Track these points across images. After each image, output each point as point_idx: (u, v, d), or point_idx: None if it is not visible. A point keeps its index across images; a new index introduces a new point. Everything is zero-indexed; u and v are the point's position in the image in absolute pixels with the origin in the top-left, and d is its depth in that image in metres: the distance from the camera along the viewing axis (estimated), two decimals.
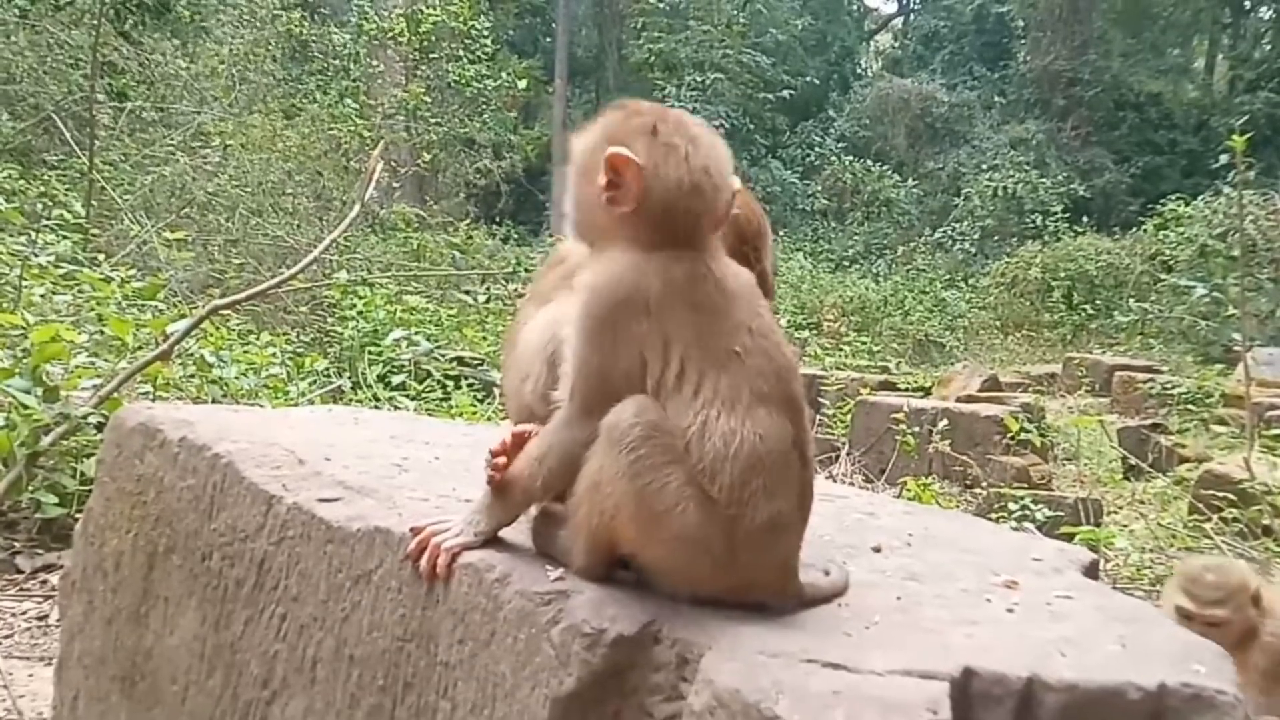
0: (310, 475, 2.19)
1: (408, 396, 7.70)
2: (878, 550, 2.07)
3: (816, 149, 28.58)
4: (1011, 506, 6.11)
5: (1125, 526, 6.61)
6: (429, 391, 7.95)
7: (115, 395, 4.84)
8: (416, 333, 8.91)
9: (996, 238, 24.39)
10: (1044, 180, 24.84)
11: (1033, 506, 6.08)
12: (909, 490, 6.39)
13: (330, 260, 10.37)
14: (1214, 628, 2.63)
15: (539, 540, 1.85)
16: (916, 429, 7.76)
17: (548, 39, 33.95)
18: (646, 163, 1.73)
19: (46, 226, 8.30)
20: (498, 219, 24.27)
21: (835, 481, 5.52)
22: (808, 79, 30.29)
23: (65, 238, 8.16)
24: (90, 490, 2.73)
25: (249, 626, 2.12)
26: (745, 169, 24.02)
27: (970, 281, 22.66)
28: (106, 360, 5.61)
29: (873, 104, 29.39)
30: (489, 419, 6.79)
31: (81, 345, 5.52)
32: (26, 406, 4.53)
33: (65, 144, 11.32)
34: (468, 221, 17.63)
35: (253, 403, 5.71)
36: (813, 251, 24.87)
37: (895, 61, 36.44)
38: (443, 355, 8.63)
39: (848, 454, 8.61)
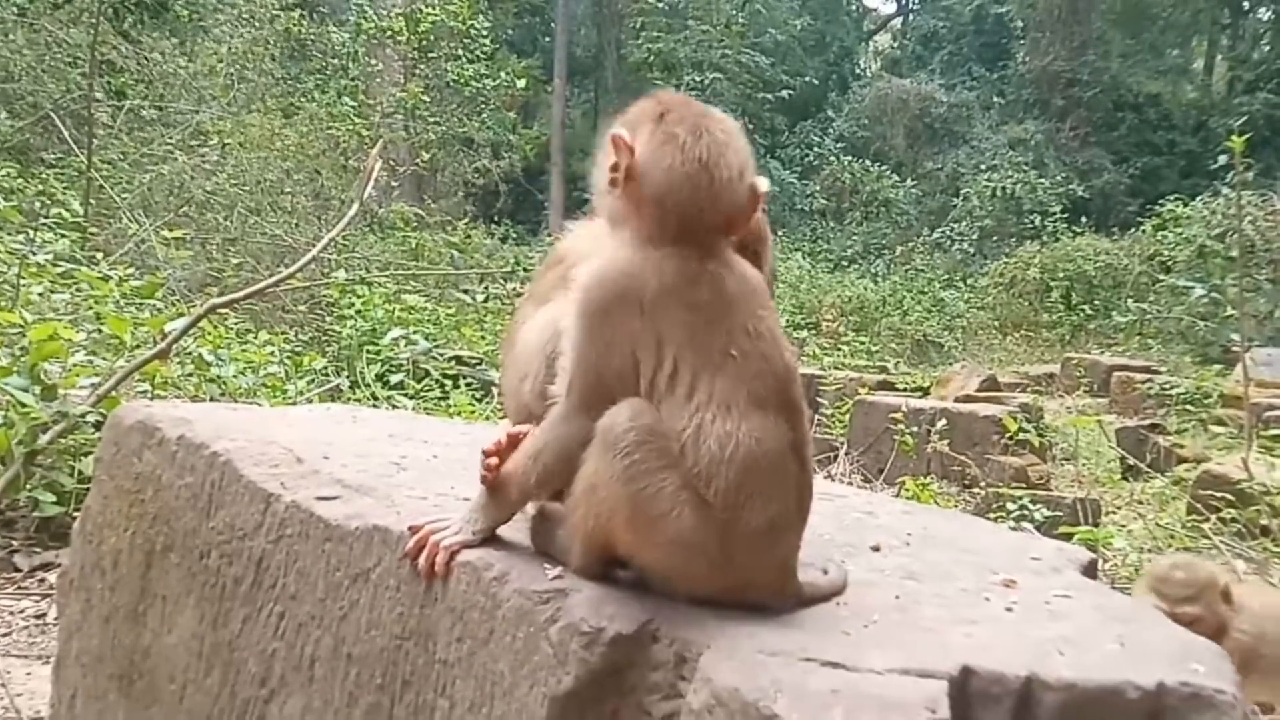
0: (308, 473, 2.19)
1: (406, 395, 7.70)
2: (876, 549, 2.07)
3: (815, 149, 28.59)
4: (1010, 506, 6.10)
5: (1123, 526, 6.60)
6: (427, 390, 7.95)
7: (113, 394, 4.83)
8: (415, 332, 8.90)
9: (995, 238, 24.39)
10: (1043, 180, 24.84)
11: (1031, 506, 6.07)
12: (907, 490, 6.39)
13: (329, 259, 10.36)
14: (1184, 625, 2.63)
15: (537, 539, 1.85)
16: (915, 429, 7.75)
17: (547, 38, 33.95)
18: (644, 147, 1.72)
19: (44, 225, 8.29)
20: (496, 218, 24.27)
21: (834, 481, 5.51)
22: (806, 79, 30.30)
23: (63, 236, 8.15)
24: (88, 488, 2.73)
25: (247, 625, 2.12)
26: None
27: (969, 281, 22.65)
28: (104, 359, 5.60)
29: (871, 104, 29.38)
30: (487, 418, 6.78)
31: (79, 344, 5.51)
32: (24, 405, 4.52)
33: (63, 142, 11.31)
34: (466, 221, 17.61)
35: (251, 401, 5.71)
36: (811, 251, 24.88)
37: (894, 62, 36.45)
38: (441, 354, 8.62)
39: (846, 454, 8.61)
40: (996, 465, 7.84)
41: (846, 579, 1.82)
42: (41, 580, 4.45)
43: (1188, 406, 10.37)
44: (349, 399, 7.14)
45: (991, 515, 5.58)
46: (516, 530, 1.88)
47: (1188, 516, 6.46)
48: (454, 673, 1.77)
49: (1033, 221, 23.85)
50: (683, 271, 1.68)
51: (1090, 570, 2.12)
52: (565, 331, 1.76)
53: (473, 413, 7.20)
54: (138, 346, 5.70)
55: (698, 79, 25.83)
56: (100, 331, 5.83)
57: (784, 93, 27.78)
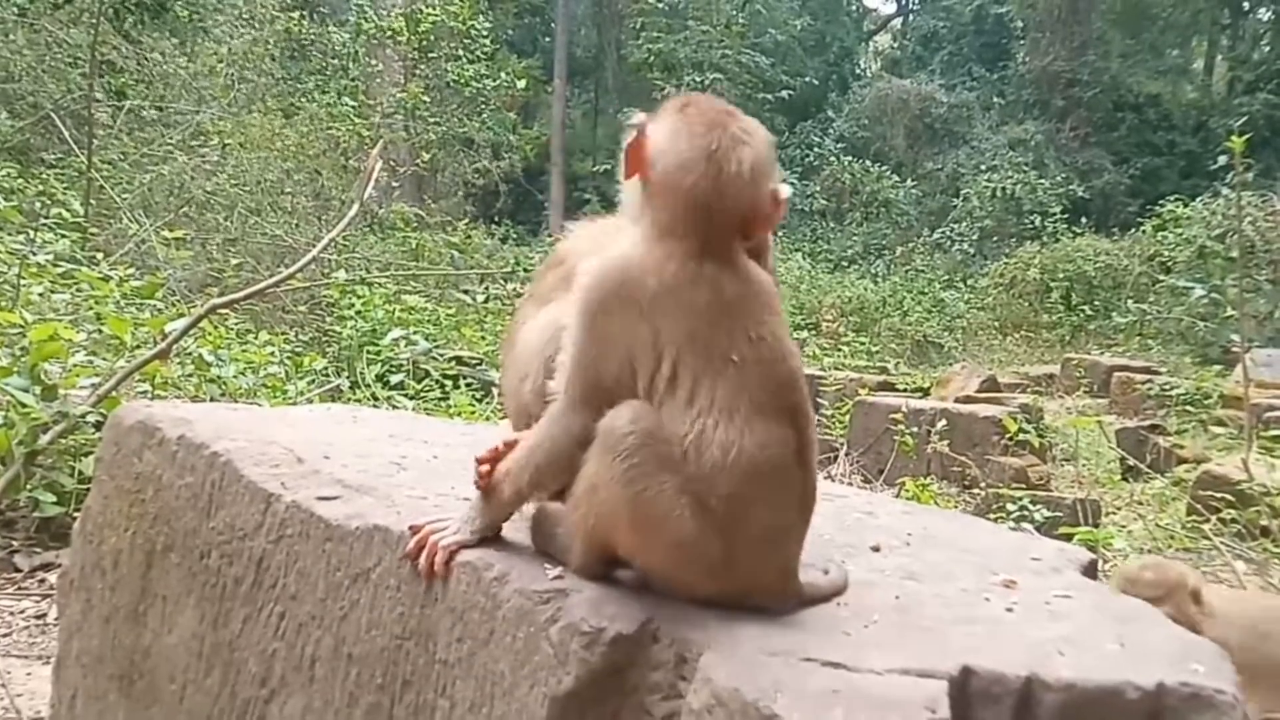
0: (309, 473, 2.19)
1: (406, 396, 7.70)
2: (877, 550, 2.07)
3: (815, 149, 28.58)
4: (1010, 507, 6.10)
5: (1123, 527, 6.61)
6: (427, 391, 7.95)
7: (113, 394, 4.83)
8: (415, 332, 8.90)
9: (995, 238, 24.38)
10: (1043, 181, 24.83)
11: (1031, 507, 6.07)
12: (907, 490, 6.39)
13: (329, 259, 10.36)
14: None
15: (538, 539, 1.85)
16: (915, 429, 7.75)
17: (547, 39, 33.97)
18: (660, 135, 1.72)
19: (45, 225, 8.29)
20: (496, 219, 24.27)
21: (834, 481, 5.52)
22: (807, 79, 30.29)
23: (63, 236, 8.15)
24: (88, 489, 2.73)
25: (247, 625, 2.12)
26: None
27: (969, 282, 22.65)
28: (105, 359, 5.60)
29: (871, 104, 29.38)
30: (487, 418, 6.78)
31: (80, 344, 5.51)
32: (24, 405, 4.52)
33: (64, 142, 11.31)
34: (466, 221, 17.62)
35: (251, 402, 5.71)
36: (811, 252, 24.87)
37: (894, 62, 36.46)
38: (441, 355, 8.63)
39: (846, 454, 8.61)
40: (996, 466, 7.84)
41: (847, 579, 1.82)
42: (42, 580, 4.45)
43: (1188, 407, 10.36)
44: (349, 399, 7.14)
45: (991, 516, 5.58)
46: (517, 530, 1.88)
47: (1188, 517, 6.47)
48: (454, 673, 1.77)
49: (1033, 222, 23.84)
50: (683, 271, 1.66)
51: (1090, 571, 2.12)
52: (565, 329, 1.76)
53: (473, 413, 7.21)
54: (138, 347, 5.70)
55: (698, 79, 25.82)
56: (100, 332, 5.83)
57: (784, 93, 27.78)
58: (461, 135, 20.92)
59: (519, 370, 2.04)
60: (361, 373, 8.00)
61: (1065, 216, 23.73)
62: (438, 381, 8.13)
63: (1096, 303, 20.01)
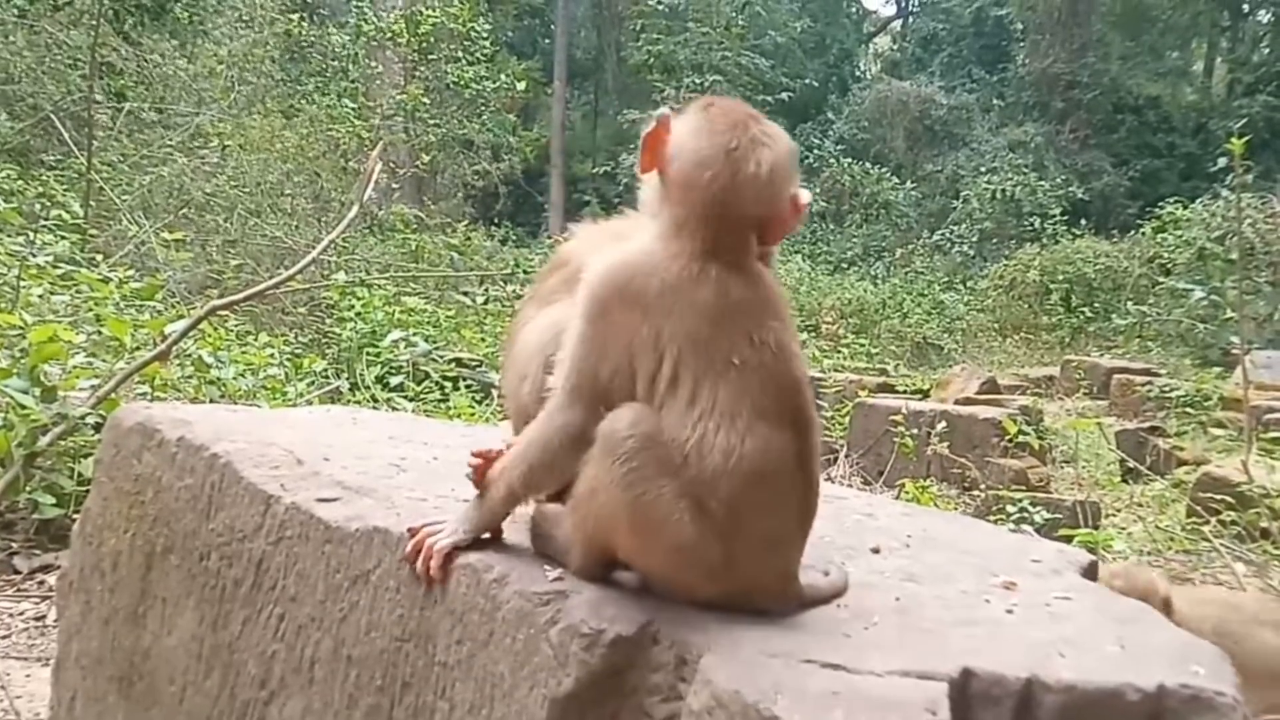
0: (308, 475, 2.19)
1: (406, 397, 7.70)
2: (877, 551, 2.07)
3: (815, 151, 28.58)
4: (1010, 509, 6.10)
5: (1123, 529, 6.61)
6: (427, 392, 7.95)
7: (113, 395, 4.83)
8: (415, 334, 8.90)
9: (995, 240, 24.40)
10: (1042, 183, 24.85)
11: (1031, 509, 6.07)
12: (907, 492, 6.39)
13: (328, 261, 10.36)
14: None
15: (537, 541, 1.85)
16: (915, 431, 7.75)
17: (547, 41, 34.00)
18: (680, 131, 1.72)
19: (45, 227, 8.29)
20: (496, 220, 24.29)
21: (834, 483, 5.52)
22: (806, 81, 30.32)
23: (63, 238, 8.15)
24: (88, 490, 2.72)
25: (247, 626, 2.12)
26: None
27: (969, 284, 22.66)
28: (104, 360, 5.60)
29: (871, 106, 29.40)
30: (487, 420, 6.78)
31: (79, 345, 5.52)
32: (24, 406, 4.52)
33: (63, 144, 11.31)
34: (466, 223, 17.61)
35: (251, 403, 5.71)
36: (811, 254, 24.87)
37: (894, 64, 36.51)
38: (441, 356, 8.62)
39: (846, 456, 8.61)
40: (996, 467, 7.84)
41: (847, 581, 1.82)
42: (41, 582, 4.44)
43: (1187, 409, 10.36)
44: (349, 401, 7.14)
45: (991, 518, 5.58)
46: (517, 532, 1.88)
47: (1187, 519, 6.47)
48: (454, 675, 1.77)
49: (1032, 224, 23.86)
50: (688, 270, 1.65)
51: (1090, 572, 2.12)
52: (566, 329, 1.76)
53: (473, 415, 7.20)
54: (138, 348, 5.70)
55: (697, 81, 25.83)
56: (100, 333, 5.83)
57: (784, 95, 27.79)
58: (461, 137, 20.93)
59: (519, 371, 2.04)
60: (361, 374, 8.00)
61: (1065, 218, 23.75)
62: (437, 383, 8.12)
63: (1096, 304, 20.02)
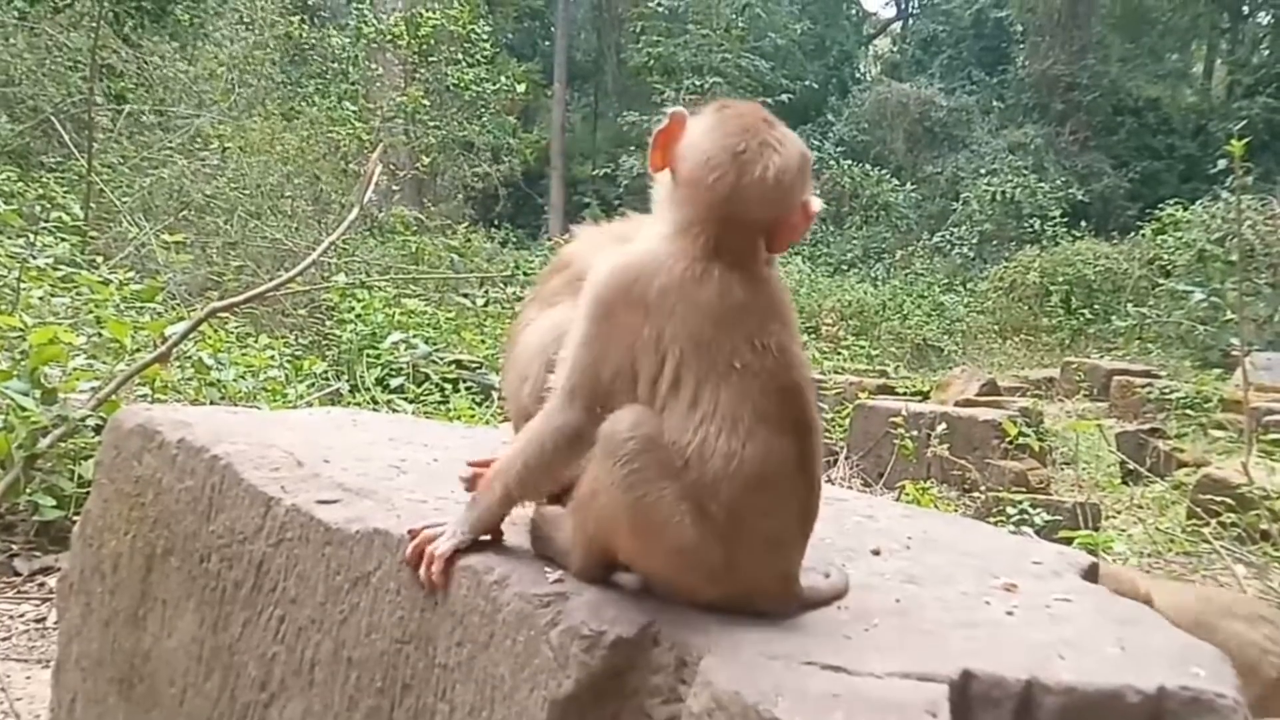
0: (309, 477, 2.19)
1: (406, 399, 7.70)
2: (877, 553, 2.07)
3: (815, 153, 28.19)
4: (1010, 510, 6.10)
5: (1123, 531, 6.61)
6: (427, 394, 7.95)
7: (113, 397, 4.83)
8: (415, 336, 8.91)
9: (995, 242, 24.41)
10: (1042, 185, 24.87)
11: (1031, 510, 6.07)
12: (907, 494, 6.39)
13: (329, 263, 10.37)
14: None
15: (537, 543, 1.85)
16: (915, 433, 7.75)
17: (547, 43, 34.02)
18: (692, 130, 1.72)
19: (45, 229, 8.30)
20: (496, 222, 24.30)
21: (834, 485, 5.52)
22: (806, 83, 30.31)
23: (64, 240, 8.16)
24: (88, 492, 2.73)
25: (247, 628, 2.12)
26: None
27: (968, 286, 22.67)
28: (105, 362, 5.60)
29: (871, 108, 29.42)
30: (487, 422, 6.78)
31: (80, 347, 5.52)
32: (24, 408, 4.52)
33: (64, 146, 11.33)
34: (466, 224, 17.62)
35: (251, 405, 5.71)
36: (811, 255, 24.87)
37: (894, 66, 36.54)
38: (441, 358, 8.63)
39: (846, 458, 8.61)
40: (996, 469, 7.83)
41: (847, 583, 1.82)
42: (41, 584, 4.44)
43: (1187, 411, 10.37)
44: (349, 403, 7.14)
45: (991, 519, 5.58)
46: (517, 534, 1.88)
47: (1187, 521, 6.47)
48: (454, 676, 1.77)
49: (1032, 225, 23.88)
50: (692, 270, 1.64)
51: (1091, 574, 2.12)
52: (568, 330, 1.75)
53: (473, 417, 7.21)
54: (138, 350, 5.70)
55: (697, 83, 25.85)
56: (100, 335, 5.84)
57: (784, 97, 27.75)
58: (461, 139, 20.95)
59: (520, 373, 2.04)
60: (361, 376, 8.00)
61: (1065, 220, 23.76)
62: (437, 385, 8.13)
63: (1096, 306, 20.03)
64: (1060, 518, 6.07)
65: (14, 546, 4.67)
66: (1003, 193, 24.54)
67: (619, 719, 1.61)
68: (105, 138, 12.01)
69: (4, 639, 4.00)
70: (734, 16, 28.01)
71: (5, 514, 4.73)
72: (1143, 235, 20.60)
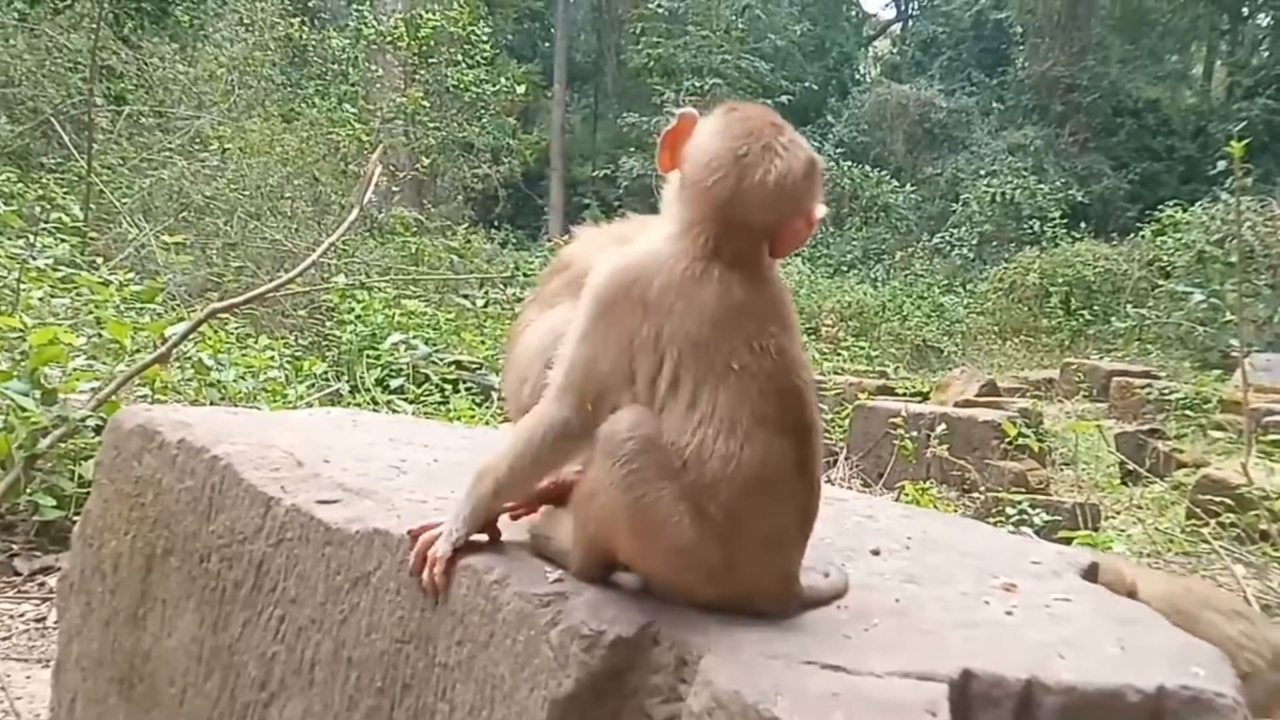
0: (309, 477, 2.19)
1: (406, 400, 7.70)
2: (876, 553, 2.07)
3: None
4: (1009, 511, 6.11)
5: (1123, 531, 6.60)
6: (427, 395, 7.95)
7: (113, 398, 4.84)
8: (415, 336, 8.91)
9: (994, 243, 24.41)
10: (1042, 186, 24.88)
11: (1030, 511, 6.08)
12: (907, 494, 6.39)
13: (328, 264, 10.37)
14: None
15: (537, 542, 1.85)
16: (914, 434, 7.75)
17: (546, 44, 34.03)
18: (701, 132, 1.72)
19: (45, 229, 8.30)
20: (496, 223, 24.32)
21: (833, 485, 5.52)
22: (806, 84, 30.32)
23: (63, 241, 8.16)
24: (88, 493, 2.73)
25: (247, 628, 2.12)
26: None
27: (968, 287, 22.67)
28: (105, 363, 5.61)
29: (871, 109, 29.42)
30: (487, 423, 6.79)
31: (79, 348, 5.52)
32: (24, 409, 4.52)
33: (64, 147, 11.33)
34: (466, 226, 17.63)
35: (251, 406, 5.71)
36: (811, 257, 24.85)
37: (893, 67, 36.55)
38: (441, 359, 8.63)
39: (846, 458, 8.61)
40: (996, 470, 7.84)
41: (847, 583, 1.82)
42: (41, 584, 4.44)
43: (1187, 412, 10.37)
44: (349, 403, 7.14)
45: (991, 520, 5.58)
46: (517, 534, 1.88)
47: (1187, 521, 6.47)
48: (454, 676, 1.77)
49: (1032, 227, 23.88)
50: (692, 270, 1.64)
51: (1090, 574, 2.12)
52: (568, 330, 1.76)
53: (473, 417, 7.21)
54: (138, 351, 5.70)
55: (697, 84, 25.86)
56: (100, 336, 5.84)
57: (783, 98, 27.76)
58: (461, 140, 20.95)
59: (519, 374, 2.04)
60: (361, 377, 8.01)
61: (1064, 221, 23.76)
62: (437, 386, 8.13)
63: (1096, 307, 20.03)
64: (1060, 518, 6.08)
65: (14, 546, 4.67)
66: (1002, 194, 24.55)
67: (619, 718, 1.61)
68: (105, 139, 12.01)
69: (4, 638, 4.00)
70: (734, 18, 28.02)
71: (6, 514, 4.73)
72: (1142, 236, 20.62)
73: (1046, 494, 7.44)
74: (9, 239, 7.54)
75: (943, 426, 7.91)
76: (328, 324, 9.70)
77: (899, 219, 26.66)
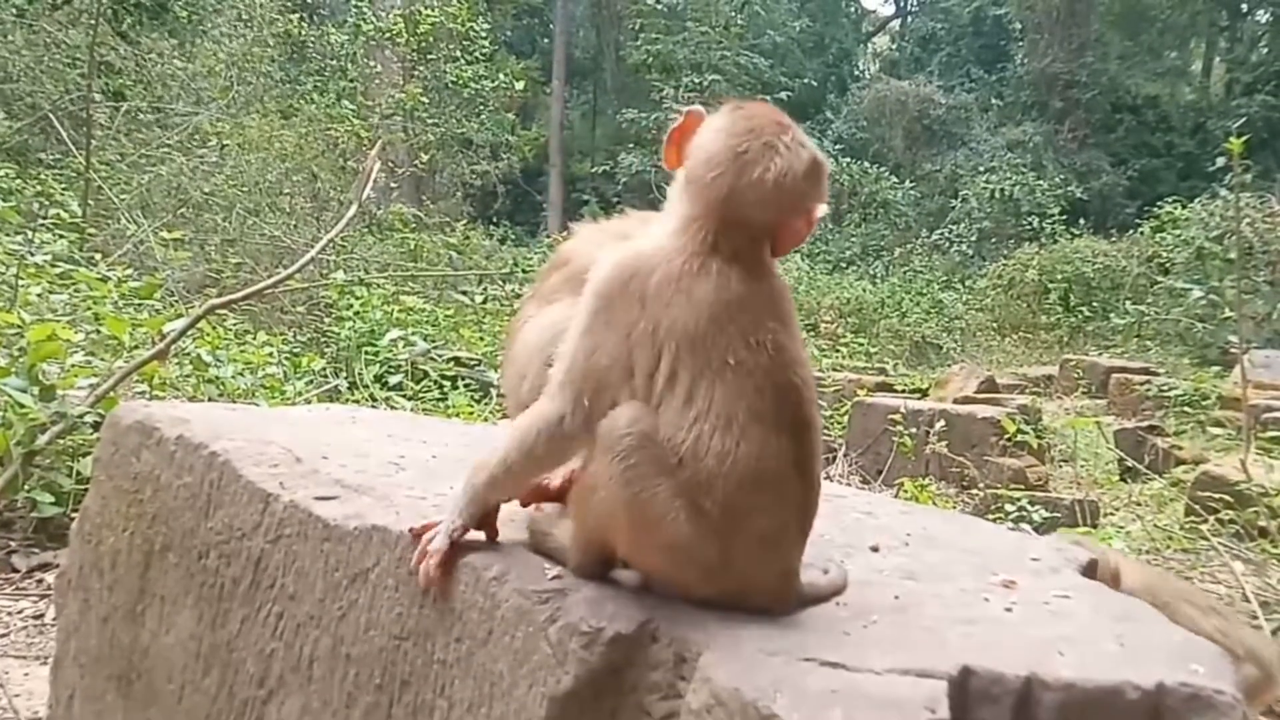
0: (307, 473, 2.19)
1: (405, 396, 7.70)
2: (876, 550, 2.06)
3: None
4: (1008, 507, 6.10)
5: (1122, 528, 6.60)
6: (426, 391, 7.95)
7: (111, 394, 4.83)
8: (413, 333, 8.91)
9: (994, 239, 24.42)
10: (1041, 182, 24.88)
11: (1029, 508, 6.07)
12: (906, 491, 6.39)
13: (327, 260, 10.37)
14: None
15: (536, 539, 1.85)
16: (913, 430, 7.75)
17: (545, 40, 34.01)
18: (705, 129, 1.73)
19: (43, 225, 8.29)
20: (495, 219, 24.31)
21: (833, 482, 5.52)
22: (805, 81, 30.34)
23: (62, 237, 8.15)
24: (86, 489, 2.72)
25: (245, 625, 2.12)
26: None
27: (967, 283, 22.68)
28: (103, 359, 5.60)
29: (870, 106, 29.42)
30: (486, 419, 6.78)
31: (78, 344, 5.51)
32: (22, 405, 4.52)
33: (62, 143, 11.30)
34: (465, 222, 17.62)
35: (249, 402, 5.71)
36: (810, 253, 24.85)
37: (893, 63, 36.53)
38: (439, 355, 8.62)
39: (845, 455, 8.61)
40: (995, 466, 7.84)
41: (846, 579, 1.82)
42: (39, 580, 4.44)
43: (1186, 408, 10.37)
44: (347, 400, 7.14)
45: (990, 516, 5.58)
46: (515, 530, 1.88)
47: (1186, 518, 6.46)
48: (453, 673, 1.77)
49: (1031, 223, 23.88)
50: (690, 264, 1.65)
51: (1090, 571, 2.12)
52: (568, 326, 1.76)
53: (471, 413, 7.21)
54: (136, 347, 5.70)
55: (696, 80, 25.85)
56: (99, 332, 5.83)
57: (782, 94, 27.73)
58: (460, 136, 20.93)
59: (518, 370, 2.04)
60: (360, 373, 8.00)
61: (1063, 218, 23.77)
62: (436, 382, 8.13)
63: (1095, 304, 20.03)
64: (1059, 515, 6.08)
65: (12, 543, 4.67)
66: (1001, 190, 24.55)
67: (618, 715, 1.61)
68: (103, 135, 11.98)
69: (2, 635, 4.00)
70: (733, 14, 28.01)
71: (4, 510, 4.73)
72: (1141, 233, 20.63)
73: (1045, 491, 7.44)
74: (7, 235, 7.53)
75: (942, 423, 7.91)
76: (326, 320, 9.69)
77: (898, 215, 26.68)
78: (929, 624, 1.66)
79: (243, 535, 2.15)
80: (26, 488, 4.57)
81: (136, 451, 2.45)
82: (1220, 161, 7.72)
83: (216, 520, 2.21)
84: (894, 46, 39.32)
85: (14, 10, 12.38)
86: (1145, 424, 9.56)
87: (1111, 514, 7.15)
